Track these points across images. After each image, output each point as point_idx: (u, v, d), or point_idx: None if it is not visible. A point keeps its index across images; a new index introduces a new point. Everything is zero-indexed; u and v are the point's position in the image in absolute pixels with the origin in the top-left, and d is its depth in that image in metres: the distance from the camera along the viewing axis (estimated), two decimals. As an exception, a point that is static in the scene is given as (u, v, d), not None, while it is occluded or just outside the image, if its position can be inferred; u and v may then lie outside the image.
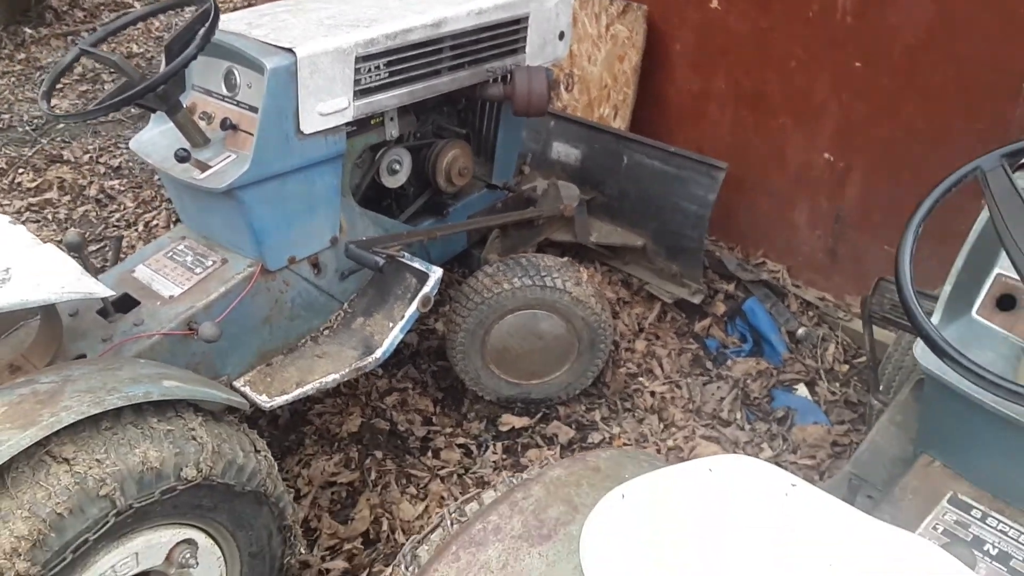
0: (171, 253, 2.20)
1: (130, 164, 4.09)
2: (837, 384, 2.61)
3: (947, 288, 1.39)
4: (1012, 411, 1.26)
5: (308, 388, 2.04)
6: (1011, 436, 1.32)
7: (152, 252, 2.21)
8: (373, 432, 2.46)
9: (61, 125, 4.47)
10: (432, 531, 1.34)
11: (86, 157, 4.15)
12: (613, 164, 3.09)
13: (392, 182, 2.39)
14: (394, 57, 2.15)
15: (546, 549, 1.19)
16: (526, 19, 2.46)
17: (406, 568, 1.32)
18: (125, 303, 2.04)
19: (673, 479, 1.19)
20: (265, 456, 1.72)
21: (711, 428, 2.51)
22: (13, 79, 5.05)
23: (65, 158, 4.14)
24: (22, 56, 5.33)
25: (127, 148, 4.14)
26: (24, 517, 1.32)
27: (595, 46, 3.43)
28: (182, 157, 1.97)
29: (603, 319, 2.49)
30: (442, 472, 2.33)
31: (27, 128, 4.43)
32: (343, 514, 2.21)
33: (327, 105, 2.05)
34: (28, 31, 5.60)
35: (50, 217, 3.66)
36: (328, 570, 2.05)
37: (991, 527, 1.36)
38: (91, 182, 3.93)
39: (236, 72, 2.04)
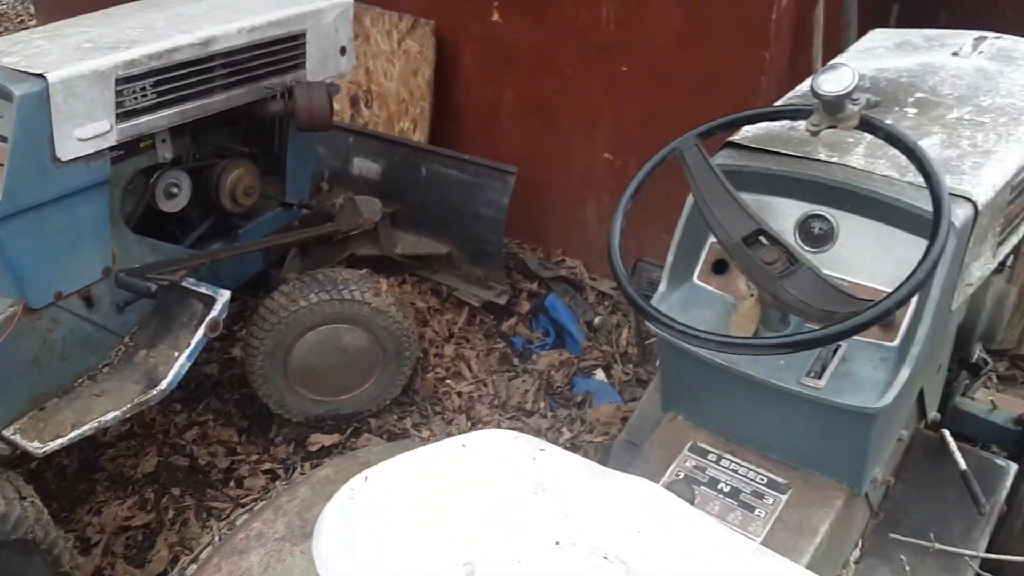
0: (-82, 299, 2.02)
1: None
2: (630, 365, 2.79)
3: (669, 258, 1.54)
4: (727, 361, 1.42)
5: (86, 429, 1.94)
6: (730, 384, 1.49)
7: None
8: (171, 470, 2.36)
9: None
10: (202, 550, 1.32)
11: None
12: (413, 176, 3.16)
13: (170, 206, 2.32)
14: (160, 77, 2.10)
15: (309, 546, 1.20)
16: (303, 35, 2.47)
17: (174, 591, 1.30)
18: None
19: (424, 458, 1.24)
20: (32, 503, 1.62)
21: (516, 420, 2.61)
22: None
23: None
24: None
25: None
26: None
27: (389, 62, 3.49)
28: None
29: (405, 327, 2.53)
30: (245, 500, 2.27)
31: None
32: (140, 558, 2.10)
33: (86, 130, 1.96)
34: None
35: None
36: (126, 615, 1.95)
37: (724, 467, 1.53)
38: None
39: (-16, 102, 1.92)
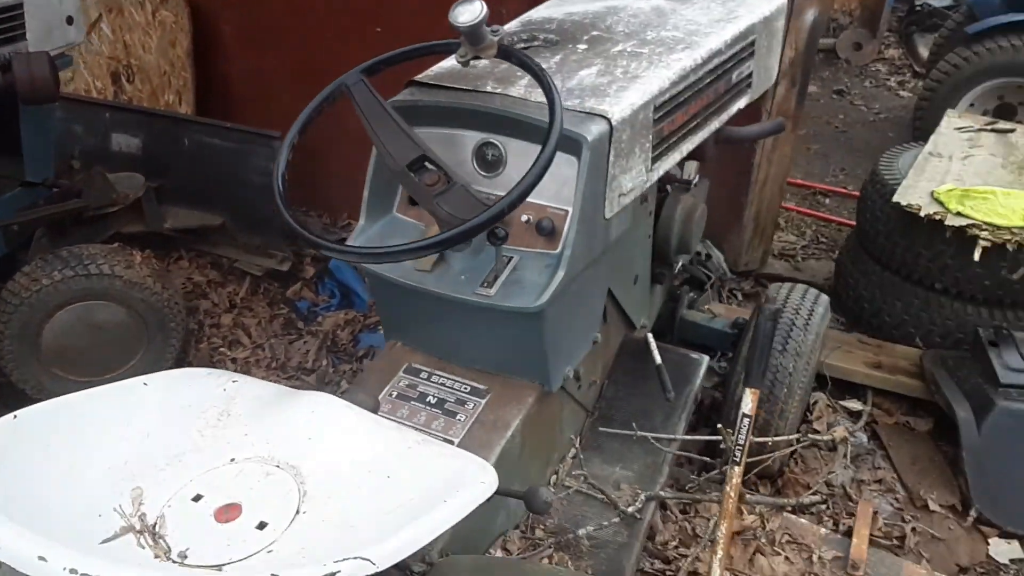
0: None
1: None
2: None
3: (365, 194, 1.63)
4: (416, 282, 1.54)
5: None
6: (427, 305, 1.61)
7: None
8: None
9: None
10: None
11: None
12: (175, 148, 3.08)
13: None
14: None
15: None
16: (20, 6, 2.36)
17: None
18: None
19: (93, 397, 1.27)
20: None
21: (295, 379, 2.65)
22: None
23: None
24: None
25: None
26: None
27: (146, 34, 3.37)
28: None
29: (166, 298, 2.50)
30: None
31: None
32: None
33: None
34: None
35: None
36: None
37: (434, 383, 1.65)
38: None
39: None
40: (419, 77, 1.68)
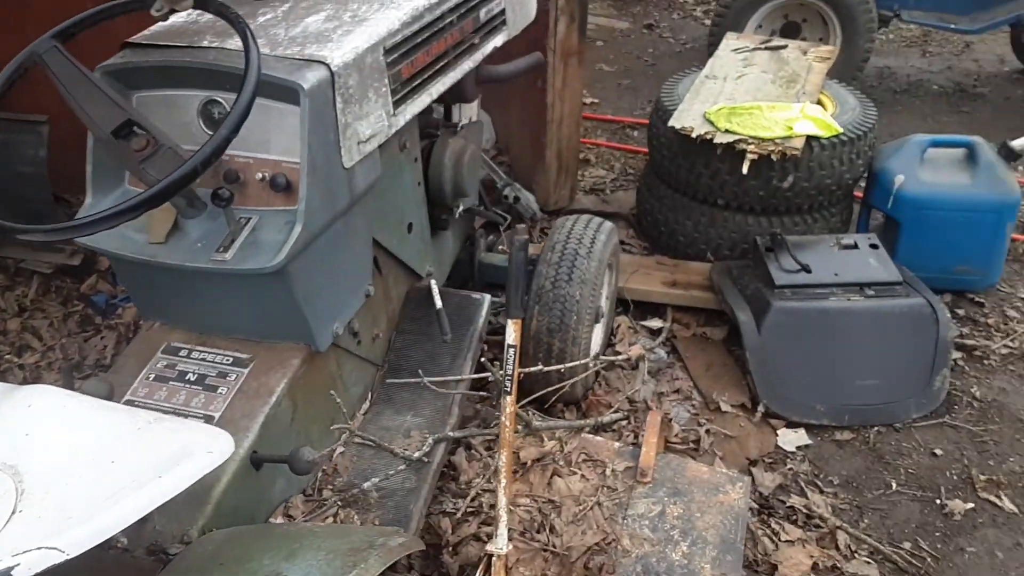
0: None
1: None
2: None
3: (88, 168, 1.52)
4: (150, 256, 1.46)
5: None
6: (172, 279, 1.54)
7: None
8: None
9: None
10: None
11: None
12: (-73, 146, 2.79)
13: None
14: None
15: None
16: None
17: None
18: None
19: None
20: None
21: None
22: None
23: None
24: None
25: None
26: None
27: None
28: None
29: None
30: None
31: None
32: None
33: None
34: None
35: None
36: None
37: (194, 359, 1.59)
38: None
39: None
40: (134, 38, 1.57)
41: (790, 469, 2.13)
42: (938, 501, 2.04)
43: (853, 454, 2.20)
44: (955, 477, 2.12)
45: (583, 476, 1.87)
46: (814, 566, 1.85)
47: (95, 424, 1.21)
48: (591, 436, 2.00)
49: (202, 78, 1.50)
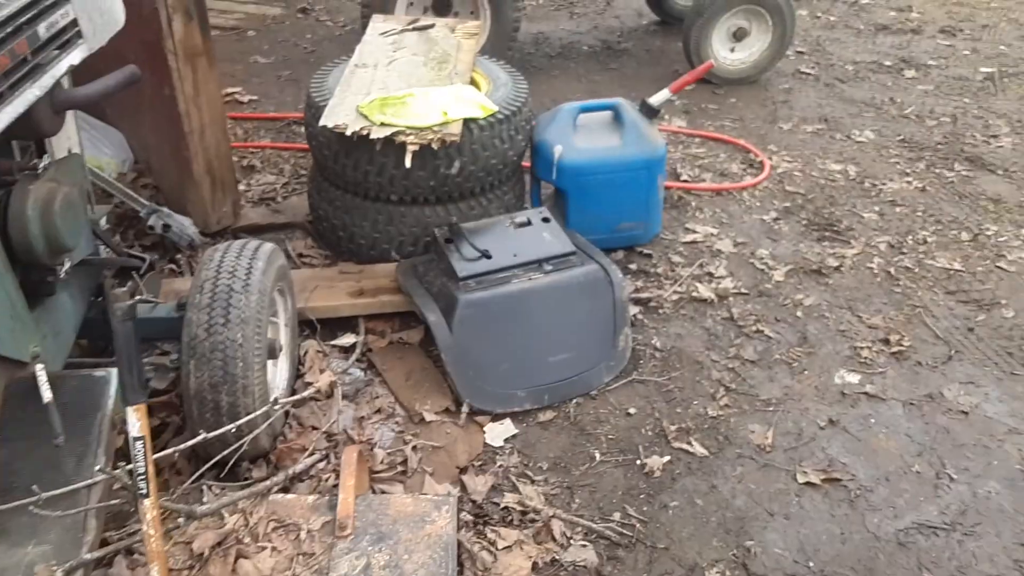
0: None
1: None
2: None
3: None
4: None
5: None
6: None
7: None
8: None
9: None
10: None
11: None
12: None
13: None
14: None
15: None
16: None
17: None
18: None
19: None
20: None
21: None
22: None
23: None
24: None
25: None
26: None
27: None
28: None
29: None
30: None
31: None
32: None
33: None
34: None
35: None
36: None
37: None
38: None
39: None
40: None
41: (500, 466, 2.08)
42: (638, 462, 2.11)
43: (557, 432, 2.20)
44: (650, 433, 2.21)
45: (274, 549, 1.65)
46: (534, 566, 1.81)
47: None
48: (281, 496, 1.77)
49: None
